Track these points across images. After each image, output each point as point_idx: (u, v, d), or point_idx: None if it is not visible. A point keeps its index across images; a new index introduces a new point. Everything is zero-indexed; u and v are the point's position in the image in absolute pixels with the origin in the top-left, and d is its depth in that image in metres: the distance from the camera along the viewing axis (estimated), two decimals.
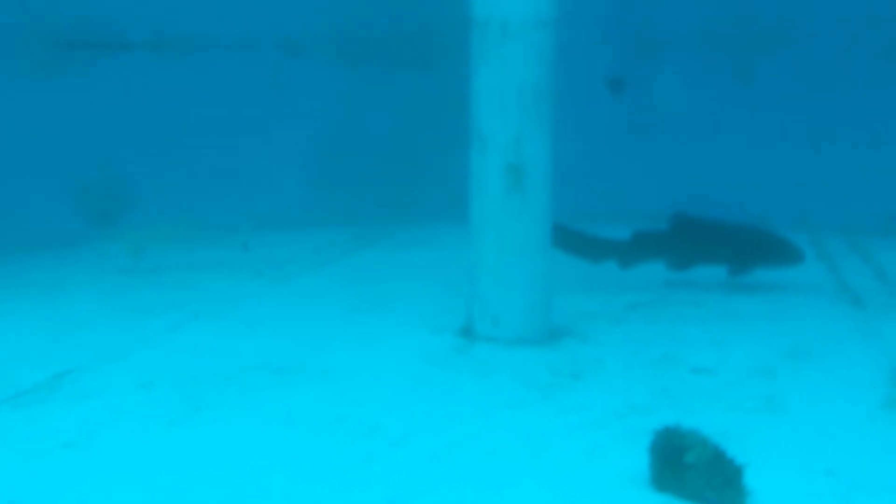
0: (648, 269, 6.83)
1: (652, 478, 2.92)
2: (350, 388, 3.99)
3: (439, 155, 9.33)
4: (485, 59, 4.64)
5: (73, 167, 8.41)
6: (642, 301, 5.86)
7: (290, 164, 10.12)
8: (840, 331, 5.11)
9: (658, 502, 2.80)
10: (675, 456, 2.83)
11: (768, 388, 3.99)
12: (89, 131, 8.67)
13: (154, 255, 6.73)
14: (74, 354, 4.56)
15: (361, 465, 3.08)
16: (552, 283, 4.93)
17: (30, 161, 8.17)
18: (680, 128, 10.31)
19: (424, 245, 8.65)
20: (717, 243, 6.15)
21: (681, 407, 3.71)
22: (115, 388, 4.02)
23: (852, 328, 5.18)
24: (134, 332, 5.04)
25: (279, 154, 10.01)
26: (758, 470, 2.96)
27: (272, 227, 9.48)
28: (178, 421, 3.58)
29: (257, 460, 3.15)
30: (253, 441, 3.34)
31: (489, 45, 4.61)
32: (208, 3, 9.22)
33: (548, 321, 4.91)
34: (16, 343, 4.84)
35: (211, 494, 2.86)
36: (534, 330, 4.81)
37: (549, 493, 2.86)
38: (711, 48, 10.06)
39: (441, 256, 7.67)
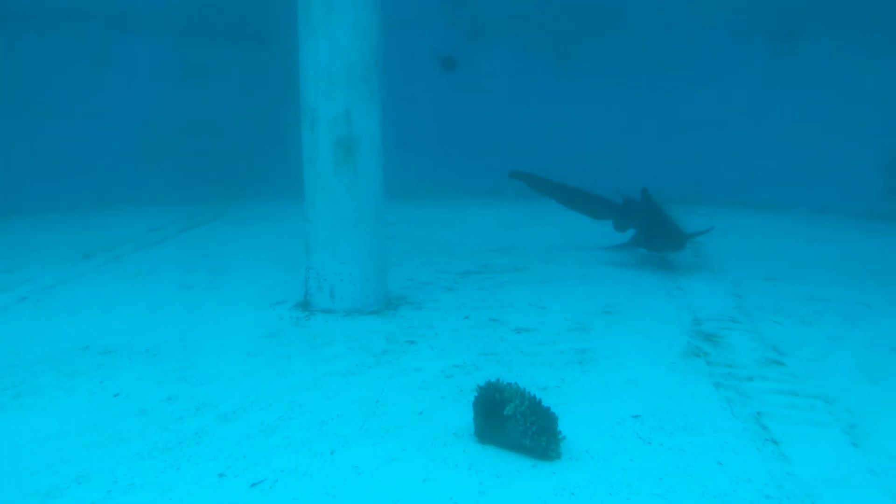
0: (477, 239, 7.16)
1: (475, 431, 3.10)
2: (181, 366, 3.93)
3: (279, 131, 9.27)
4: (312, 33, 4.65)
5: None
6: (473, 269, 6.13)
7: (121, 141, 9.71)
8: (648, 289, 5.58)
9: (480, 453, 2.98)
10: (496, 409, 3.02)
11: (582, 343, 4.30)
12: None
13: None
14: None
15: (190, 443, 3.06)
16: (387, 254, 5.05)
17: None
18: (505, 104, 10.84)
19: (264, 221, 8.56)
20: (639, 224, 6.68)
21: (503, 365, 3.94)
22: None
23: (659, 286, 5.66)
24: None
25: (109, 130, 9.58)
26: (571, 417, 3.24)
27: (103, 206, 9.08)
28: None
29: (81, 444, 3.06)
30: (77, 424, 3.24)
31: (315, 19, 4.63)
32: None
33: (384, 291, 5.04)
34: None
35: (32, 481, 2.76)
36: (370, 300, 4.92)
37: (379, 453, 2.97)
38: (534, 32, 10.66)
39: (280, 232, 7.63)
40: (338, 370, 3.88)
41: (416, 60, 10.80)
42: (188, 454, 2.97)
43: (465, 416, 3.21)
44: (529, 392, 3.06)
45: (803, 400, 3.51)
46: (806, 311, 4.99)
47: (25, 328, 4.59)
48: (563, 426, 3.02)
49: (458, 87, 10.99)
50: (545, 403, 3.04)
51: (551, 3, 10.54)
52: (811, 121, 9.56)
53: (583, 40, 10.60)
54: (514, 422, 2.96)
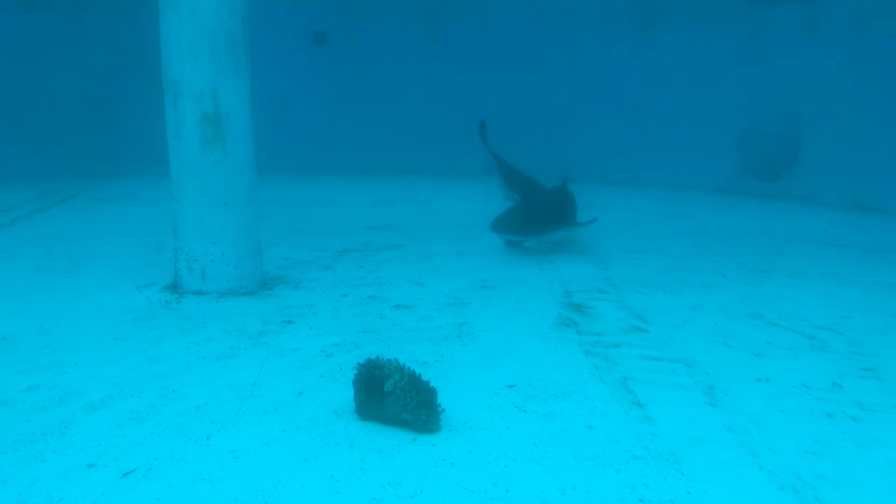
0: (355, 217, 7.11)
1: (356, 408, 3.10)
2: (42, 354, 3.71)
3: (142, 105, 8.82)
4: (173, 4, 4.43)
5: None
6: (351, 247, 6.10)
7: None
8: (522, 264, 5.73)
9: (361, 430, 2.98)
10: (376, 386, 3.03)
11: (460, 318, 4.37)
12: None
13: None
14: None
15: (55, 434, 2.91)
16: (260, 233, 4.93)
17: None
18: (379, 81, 10.81)
19: (127, 200, 8.17)
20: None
21: (383, 341, 3.96)
22: None
23: (532, 261, 5.83)
24: None
25: None
26: (450, 390, 3.30)
27: None
28: None
29: None
30: None
31: None
32: None
33: (259, 271, 4.92)
34: None
35: None
36: (244, 280, 4.79)
37: (257, 436, 2.92)
38: (406, 9, 10.66)
39: (145, 211, 7.31)
40: (212, 353, 3.77)
41: (288, 34, 10.56)
42: (54, 445, 2.82)
43: (345, 394, 3.20)
44: (409, 367, 3.08)
45: (666, 364, 3.72)
46: (667, 282, 5.28)
47: None
48: (443, 399, 3.07)
49: (331, 63, 10.83)
50: (425, 378, 3.07)
51: None
52: (671, 102, 10.05)
53: (455, 19, 10.68)
54: (394, 397, 2.98)
